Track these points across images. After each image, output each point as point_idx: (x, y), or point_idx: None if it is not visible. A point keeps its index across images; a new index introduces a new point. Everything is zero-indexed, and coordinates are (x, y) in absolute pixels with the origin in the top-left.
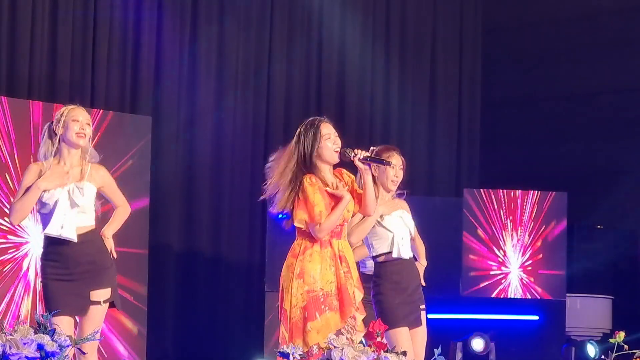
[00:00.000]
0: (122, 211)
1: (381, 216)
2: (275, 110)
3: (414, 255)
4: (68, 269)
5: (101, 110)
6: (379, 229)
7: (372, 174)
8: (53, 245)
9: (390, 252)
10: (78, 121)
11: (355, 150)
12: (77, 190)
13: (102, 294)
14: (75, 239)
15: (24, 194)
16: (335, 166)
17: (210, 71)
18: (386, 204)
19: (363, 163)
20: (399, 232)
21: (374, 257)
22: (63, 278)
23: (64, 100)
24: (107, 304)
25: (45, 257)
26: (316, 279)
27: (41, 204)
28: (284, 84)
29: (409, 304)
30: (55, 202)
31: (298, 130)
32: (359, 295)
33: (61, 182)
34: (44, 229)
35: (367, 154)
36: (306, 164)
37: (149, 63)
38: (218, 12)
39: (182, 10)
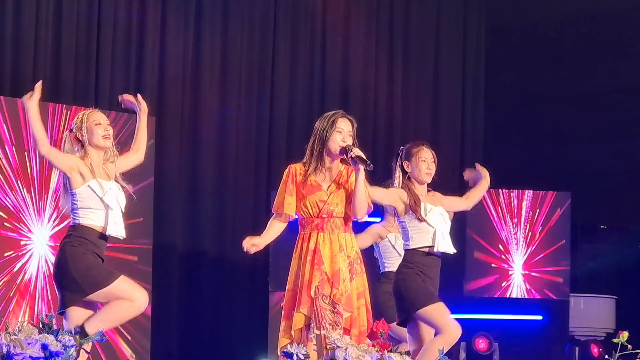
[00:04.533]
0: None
1: (427, 207)
2: (279, 111)
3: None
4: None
5: (105, 111)
6: (422, 223)
7: (406, 170)
8: (92, 234)
9: (432, 247)
10: (101, 124)
11: (354, 149)
12: (119, 190)
13: None
14: (124, 236)
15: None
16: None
17: (214, 72)
18: (427, 198)
19: (352, 161)
20: (440, 227)
21: (409, 249)
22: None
23: (68, 101)
24: None
25: (80, 242)
26: (291, 275)
27: (91, 197)
28: (288, 85)
29: (434, 291)
30: (108, 201)
31: (317, 122)
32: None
33: (104, 177)
34: (85, 219)
35: (360, 154)
36: (313, 154)
37: (153, 64)
38: (222, 13)
39: (186, 11)
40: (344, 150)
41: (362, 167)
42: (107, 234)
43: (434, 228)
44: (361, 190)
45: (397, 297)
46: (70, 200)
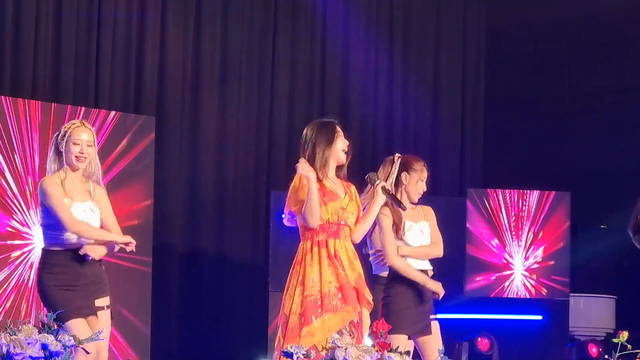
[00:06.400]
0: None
1: (406, 226)
2: (279, 110)
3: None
4: (74, 281)
5: (105, 111)
6: (398, 240)
7: (403, 182)
8: (59, 257)
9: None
10: (78, 144)
11: (382, 182)
12: (91, 211)
13: (104, 301)
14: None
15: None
16: (349, 163)
17: (214, 71)
18: (412, 213)
19: (383, 192)
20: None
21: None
22: (69, 288)
23: (68, 101)
24: (109, 310)
25: (49, 270)
26: (315, 282)
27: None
28: (288, 84)
29: (419, 312)
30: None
31: (306, 132)
32: (367, 293)
33: (75, 198)
34: (60, 242)
35: (389, 187)
36: (314, 162)
37: (153, 63)
38: (222, 12)
39: (185, 10)
40: (369, 178)
41: (383, 199)
42: (80, 252)
43: (410, 246)
44: (373, 218)
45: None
46: (41, 214)
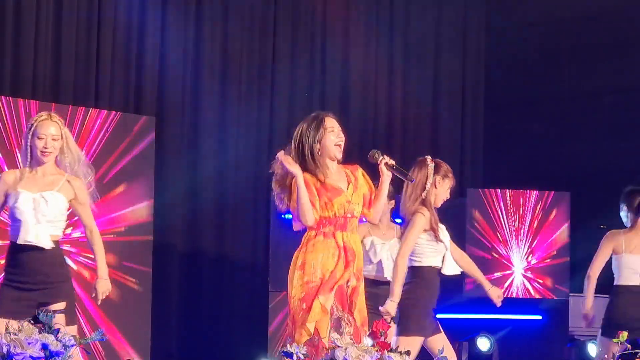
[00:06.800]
0: (97, 241)
1: (440, 229)
2: (279, 111)
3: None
4: (24, 277)
5: (105, 111)
6: (438, 243)
7: (435, 186)
8: (16, 252)
9: (440, 267)
10: (43, 138)
11: (385, 155)
12: (42, 200)
13: (53, 307)
14: (50, 246)
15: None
16: (350, 162)
17: (214, 72)
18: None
19: (387, 169)
20: (449, 249)
21: (416, 266)
22: (19, 286)
23: (68, 101)
24: (63, 315)
25: (8, 263)
26: (316, 268)
27: (9, 208)
28: (288, 85)
29: (433, 314)
30: (22, 210)
31: (299, 127)
32: (359, 284)
33: (31, 188)
34: (13, 234)
35: (394, 162)
36: (306, 160)
37: (153, 63)
38: (222, 13)
39: (186, 10)
40: (372, 156)
41: (389, 176)
42: (17, 242)
43: (447, 250)
44: (385, 197)
45: (404, 310)
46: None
